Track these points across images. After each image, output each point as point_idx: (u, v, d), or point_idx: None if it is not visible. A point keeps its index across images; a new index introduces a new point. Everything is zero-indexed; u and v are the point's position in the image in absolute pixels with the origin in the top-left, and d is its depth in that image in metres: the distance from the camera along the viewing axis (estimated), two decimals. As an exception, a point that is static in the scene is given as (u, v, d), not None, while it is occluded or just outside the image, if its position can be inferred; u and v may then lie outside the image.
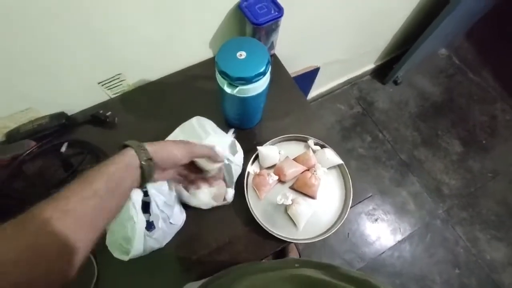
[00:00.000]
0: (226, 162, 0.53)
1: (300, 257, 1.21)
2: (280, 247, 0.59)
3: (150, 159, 0.37)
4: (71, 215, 0.29)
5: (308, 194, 0.59)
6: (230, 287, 0.31)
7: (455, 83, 1.62)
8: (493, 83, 1.62)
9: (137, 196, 0.43)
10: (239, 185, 0.60)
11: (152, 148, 0.38)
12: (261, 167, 0.63)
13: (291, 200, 0.57)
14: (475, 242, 1.27)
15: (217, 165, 0.46)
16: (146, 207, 0.46)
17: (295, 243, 1.21)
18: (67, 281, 0.28)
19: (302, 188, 0.59)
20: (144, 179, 0.37)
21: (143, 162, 0.35)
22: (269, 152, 0.61)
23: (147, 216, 0.45)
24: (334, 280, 0.25)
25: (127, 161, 0.35)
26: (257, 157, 0.63)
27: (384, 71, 1.55)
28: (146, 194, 0.45)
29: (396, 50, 1.50)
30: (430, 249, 1.27)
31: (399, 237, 1.29)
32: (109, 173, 0.33)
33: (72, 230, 0.28)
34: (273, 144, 0.64)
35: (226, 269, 0.44)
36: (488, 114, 1.54)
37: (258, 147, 0.61)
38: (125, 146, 0.37)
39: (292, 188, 0.61)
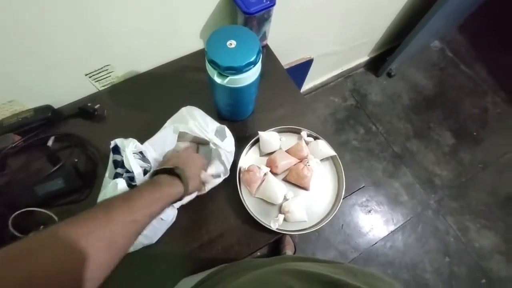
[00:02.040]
0: (213, 146, 0.52)
1: (295, 249, 1.22)
2: (273, 239, 0.59)
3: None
4: (106, 239, 0.30)
5: (301, 185, 0.59)
6: (226, 282, 0.31)
7: (447, 76, 1.63)
8: (485, 76, 1.63)
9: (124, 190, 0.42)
10: (232, 178, 0.59)
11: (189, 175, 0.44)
12: (261, 153, 0.63)
13: (286, 196, 0.57)
14: (465, 231, 1.30)
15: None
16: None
17: (290, 236, 1.22)
18: None
19: (295, 180, 0.59)
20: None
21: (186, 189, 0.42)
22: (270, 137, 0.60)
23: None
24: (332, 274, 0.25)
25: (173, 192, 0.40)
26: (251, 147, 0.63)
27: (378, 63, 1.55)
28: (133, 187, 0.44)
29: (390, 43, 1.50)
30: (421, 238, 1.29)
31: (391, 228, 1.31)
32: (152, 200, 0.37)
33: (102, 252, 0.29)
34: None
35: (223, 265, 0.44)
36: (479, 106, 1.56)
37: (259, 132, 0.60)
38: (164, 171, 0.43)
39: (285, 180, 0.60)
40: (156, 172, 0.43)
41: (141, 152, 0.48)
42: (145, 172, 0.46)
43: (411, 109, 1.54)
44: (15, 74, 0.58)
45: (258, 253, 1.25)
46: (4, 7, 0.46)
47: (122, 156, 0.45)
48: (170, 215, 0.52)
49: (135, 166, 0.44)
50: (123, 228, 0.32)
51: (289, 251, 1.15)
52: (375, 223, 1.32)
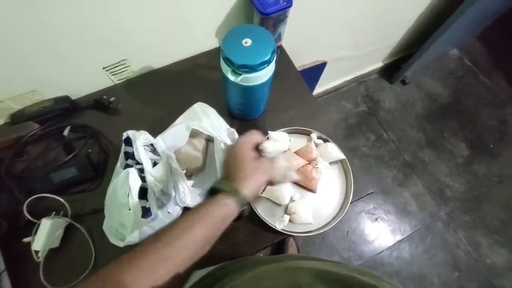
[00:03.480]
0: (223, 146, 0.52)
1: (298, 252, 1.21)
2: (277, 239, 0.59)
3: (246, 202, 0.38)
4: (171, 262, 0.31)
5: (308, 187, 0.59)
6: (237, 275, 0.31)
7: (464, 85, 1.59)
8: (504, 86, 1.58)
9: (134, 184, 0.43)
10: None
11: (248, 191, 0.38)
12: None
13: (293, 198, 0.57)
14: (476, 246, 1.26)
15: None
16: (144, 193, 0.46)
17: (294, 239, 1.21)
18: None
19: (302, 182, 0.58)
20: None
21: (241, 208, 0.38)
22: (280, 138, 0.60)
23: (144, 202, 0.45)
24: (342, 271, 0.25)
25: (225, 213, 0.37)
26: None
27: (392, 70, 1.53)
28: (144, 179, 0.45)
29: (406, 50, 1.47)
30: (430, 250, 1.26)
31: (398, 237, 1.28)
32: (208, 223, 0.35)
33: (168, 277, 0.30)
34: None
35: (229, 261, 0.44)
36: (497, 118, 1.51)
37: (269, 132, 0.60)
38: (218, 190, 0.38)
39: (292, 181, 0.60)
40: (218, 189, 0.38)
41: (151, 145, 0.49)
42: (154, 164, 0.47)
43: (425, 118, 1.51)
44: (38, 67, 0.60)
45: (261, 254, 1.24)
46: (27, 5, 0.48)
47: (133, 148, 0.46)
48: (176, 209, 0.53)
49: (145, 158, 0.45)
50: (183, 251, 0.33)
51: (291, 253, 1.15)
52: (381, 231, 1.30)
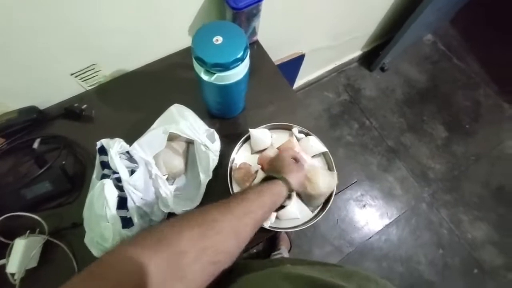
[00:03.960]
0: (203, 149, 0.51)
1: (291, 245, 1.23)
2: (266, 237, 0.59)
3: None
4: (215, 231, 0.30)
5: None
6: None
7: (440, 69, 1.64)
8: (477, 68, 1.64)
9: (111, 195, 0.41)
10: (221, 177, 0.58)
11: (294, 181, 0.46)
12: (252, 151, 0.62)
13: None
14: (458, 223, 1.31)
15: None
16: (123, 202, 0.44)
17: (286, 233, 1.22)
18: None
19: None
20: None
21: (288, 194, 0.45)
22: (261, 135, 0.59)
23: (124, 212, 0.44)
24: (328, 278, 0.25)
25: (278, 194, 0.42)
26: (242, 145, 0.62)
27: (371, 58, 1.55)
28: (122, 189, 0.43)
29: (383, 37, 1.49)
30: (416, 231, 1.31)
31: (386, 221, 1.32)
32: (264, 203, 0.39)
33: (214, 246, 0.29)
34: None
35: None
36: (471, 99, 1.57)
37: (250, 129, 0.59)
38: (270, 177, 0.46)
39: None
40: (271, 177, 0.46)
41: (127, 152, 0.47)
42: (131, 172, 0.45)
43: (405, 103, 1.55)
44: (-3, 76, 0.56)
45: (254, 250, 1.25)
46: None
47: (108, 157, 0.44)
48: (160, 215, 0.51)
49: (121, 167, 0.43)
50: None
51: (284, 247, 1.16)
52: (370, 217, 1.33)
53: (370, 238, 1.29)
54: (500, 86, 1.59)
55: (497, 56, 1.65)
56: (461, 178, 1.40)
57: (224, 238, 0.30)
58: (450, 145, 1.46)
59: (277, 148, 0.61)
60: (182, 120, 0.51)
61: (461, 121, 1.51)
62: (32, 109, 0.62)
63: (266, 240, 1.25)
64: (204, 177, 0.53)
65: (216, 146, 0.54)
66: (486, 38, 1.70)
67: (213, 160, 0.53)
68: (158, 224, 0.30)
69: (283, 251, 1.14)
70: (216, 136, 0.54)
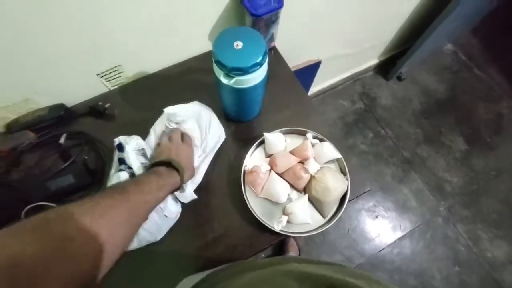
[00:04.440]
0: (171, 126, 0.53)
1: (300, 252, 1.21)
2: (276, 240, 0.59)
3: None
4: (124, 215, 0.32)
5: (295, 186, 0.59)
6: (229, 282, 0.31)
7: (460, 79, 1.59)
8: (499, 80, 1.58)
9: None
10: (235, 179, 0.59)
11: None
12: (266, 154, 0.63)
13: (290, 195, 0.57)
14: (476, 240, 1.26)
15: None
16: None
17: (295, 239, 1.21)
18: (91, 285, 0.28)
19: (291, 180, 0.59)
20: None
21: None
22: (275, 139, 0.60)
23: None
24: (335, 275, 0.25)
25: (173, 181, 0.45)
26: (256, 148, 0.63)
27: (388, 67, 1.53)
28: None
29: (401, 46, 1.47)
30: (430, 246, 1.26)
31: (399, 234, 1.28)
32: (158, 186, 0.41)
33: (122, 227, 0.31)
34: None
35: (224, 265, 0.44)
36: (493, 112, 1.51)
37: (264, 133, 0.61)
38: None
39: (284, 179, 0.60)
40: (154, 164, 0.47)
41: (143, 149, 0.50)
42: (145, 167, 0.47)
43: (422, 114, 1.51)
44: (30, 75, 0.60)
45: (263, 255, 1.25)
46: (21, 9, 0.48)
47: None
48: (173, 212, 0.53)
49: (135, 162, 0.45)
50: (137, 208, 0.36)
51: (293, 253, 1.15)
52: (382, 229, 1.30)
53: (382, 250, 1.26)
54: (524, 99, 1.52)
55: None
56: (480, 193, 1.34)
57: (115, 226, 0.31)
58: (469, 158, 1.41)
59: (290, 152, 0.62)
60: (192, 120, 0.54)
61: (481, 134, 1.46)
62: (60, 107, 0.66)
63: (274, 245, 1.24)
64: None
65: (213, 128, 0.60)
66: (509, 47, 1.65)
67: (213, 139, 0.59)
68: (51, 210, 0.29)
69: (292, 258, 1.13)
70: (215, 120, 0.60)
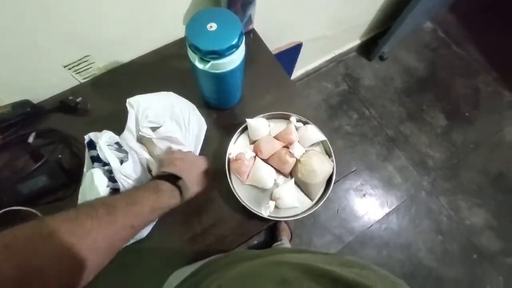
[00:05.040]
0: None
1: (292, 235, 1.23)
2: (265, 226, 0.59)
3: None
4: (106, 240, 0.31)
5: (281, 171, 0.58)
6: (219, 274, 0.31)
7: (439, 57, 1.62)
8: (476, 56, 1.62)
9: (100, 182, 0.41)
10: (220, 168, 0.58)
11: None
12: (250, 141, 0.62)
13: (276, 181, 0.57)
14: (457, 210, 1.32)
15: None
16: (117, 193, 0.44)
17: (286, 222, 1.23)
18: None
19: (277, 165, 0.58)
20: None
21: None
22: (259, 124, 0.59)
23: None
24: (323, 265, 0.24)
25: (172, 204, 0.41)
26: (239, 135, 0.62)
27: (370, 47, 1.53)
28: (115, 180, 0.43)
29: (382, 25, 1.47)
30: (415, 219, 1.31)
31: (386, 210, 1.33)
32: (153, 209, 0.38)
33: (100, 253, 0.30)
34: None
35: (216, 256, 0.43)
36: (471, 87, 1.55)
37: (247, 119, 0.59)
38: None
39: (270, 164, 0.59)
40: (159, 177, 0.43)
41: (117, 143, 0.47)
42: (121, 162, 0.45)
43: (404, 92, 1.54)
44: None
45: (255, 241, 1.26)
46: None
47: (97, 150, 0.44)
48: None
49: (110, 156, 0.43)
50: (122, 231, 0.33)
51: (285, 237, 1.17)
52: (370, 206, 1.34)
53: (371, 226, 1.30)
54: (499, 73, 1.57)
55: (496, 42, 1.63)
56: (460, 166, 1.40)
57: (97, 249, 0.30)
58: (449, 133, 1.46)
59: (274, 137, 0.61)
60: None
61: (460, 109, 1.51)
62: (25, 103, 0.61)
63: (266, 230, 1.26)
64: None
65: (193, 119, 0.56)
66: (485, 24, 1.68)
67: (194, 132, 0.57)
68: (32, 224, 0.28)
69: (285, 241, 1.15)
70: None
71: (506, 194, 1.34)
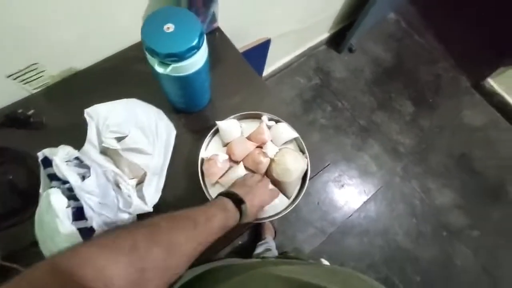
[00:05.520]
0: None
1: (275, 233, 1.24)
2: (247, 228, 0.58)
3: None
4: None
5: (256, 171, 0.57)
6: None
7: (403, 46, 1.69)
8: (436, 44, 1.71)
9: (59, 203, 0.37)
10: (193, 173, 0.56)
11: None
12: (223, 144, 0.60)
13: None
14: (428, 193, 1.40)
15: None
16: (81, 212, 0.40)
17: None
18: None
19: (251, 166, 0.57)
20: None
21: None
22: (230, 126, 0.57)
23: (83, 223, 0.40)
24: (308, 278, 0.25)
25: (232, 225, 0.40)
26: (211, 138, 0.60)
27: (338, 39, 1.56)
28: (76, 198, 0.39)
29: (349, 17, 1.50)
30: (391, 205, 1.37)
31: (364, 198, 1.38)
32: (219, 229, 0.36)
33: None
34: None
35: (199, 268, 0.41)
36: (433, 73, 1.64)
37: (217, 122, 0.57)
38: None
39: (245, 166, 0.58)
40: (224, 195, 0.43)
41: (77, 158, 0.43)
42: (83, 178, 0.42)
43: (373, 82, 1.59)
44: None
45: (240, 242, 1.25)
46: None
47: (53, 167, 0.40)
48: (125, 218, 0.48)
49: (69, 173, 0.39)
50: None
51: (269, 235, 1.17)
52: (348, 196, 1.38)
53: (351, 216, 1.34)
54: (456, 60, 1.67)
55: (452, 30, 1.73)
56: (428, 150, 1.48)
57: (182, 262, 0.30)
58: (417, 119, 1.53)
59: (247, 138, 0.60)
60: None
61: (425, 96, 1.59)
62: (-35, 120, 0.55)
63: (250, 231, 1.25)
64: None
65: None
66: (443, 14, 1.78)
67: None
68: (124, 229, 0.27)
69: (269, 240, 1.15)
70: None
71: (469, 173, 1.44)
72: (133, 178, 0.54)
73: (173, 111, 0.63)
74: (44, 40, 0.56)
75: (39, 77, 0.62)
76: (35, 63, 0.59)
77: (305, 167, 0.58)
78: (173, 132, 0.59)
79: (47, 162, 0.42)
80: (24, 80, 0.60)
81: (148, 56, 0.44)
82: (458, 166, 1.45)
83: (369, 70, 1.61)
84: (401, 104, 1.56)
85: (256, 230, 1.23)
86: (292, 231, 1.29)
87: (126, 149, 0.48)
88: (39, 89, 0.64)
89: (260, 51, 1.03)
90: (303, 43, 1.48)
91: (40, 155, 0.42)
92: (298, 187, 0.59)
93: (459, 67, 1.66)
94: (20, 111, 0.59)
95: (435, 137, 1.50)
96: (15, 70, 0.56)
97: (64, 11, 0.53)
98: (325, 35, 1.55)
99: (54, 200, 0.37)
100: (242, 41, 0.92)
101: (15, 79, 0.58)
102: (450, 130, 1.52)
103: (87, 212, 0.40)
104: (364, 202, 1.37)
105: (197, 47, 0.43)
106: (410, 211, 1.37)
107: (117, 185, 0.49)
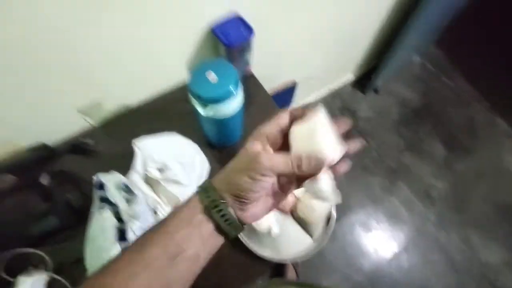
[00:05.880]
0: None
1: (297, 277, 1.18)
2: (269, 267, 0.58)
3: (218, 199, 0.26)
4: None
5: (281, 209, 0.59)
6: None
7: (430, 88, 1.69)
8: (464, 86, 1.69)
9: (109, 223, 0.43)
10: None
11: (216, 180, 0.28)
12: None
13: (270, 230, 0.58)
14: (468, 244, 1.27)
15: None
16: (124, 234, 0.45)
17: (292, 264, 1.18)
18: None
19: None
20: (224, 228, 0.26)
21: (207, 204, 0.26)
22: None
23: (125, 244, 0.45)
24: None
25: (189, 212, 0.26)
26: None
27: (363, 81, 1.61)
28: (121, 220, 0.45)
29: (374, 60, 1.57)
30: (426, 255, 1.26)
31: (393, 245, 1.28)
32: (166, 233, 0.25)
33: None
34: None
35: None
36: (464, 116, 1.60)
37: None
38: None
39: None
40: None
41: (126, 185, 0.50)
42: (127, 201, 0.47)
43: (400, 123, 1.58)
44: (7, 116, 0.61)
45: (260, 282, 1.20)
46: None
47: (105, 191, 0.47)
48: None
49: (118, 198, 0.45)
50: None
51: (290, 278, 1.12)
52: (377, 241, 1.29)
53: (379, 264, 1.25)
54: (489, 101, 1.62)
55: (482, 71, 1.70)
56: (465, 196, 1.38)
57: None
58: (450, 162, 1.46)
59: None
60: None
61: (458, 138, 1.53)
62: (41, 147, 0.66)
63: (271, 271, 1.21)
64: None
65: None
66: (470, 55, 1.77)
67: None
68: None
69: (289, 281, 1.10)
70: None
71: (517, 225, 1.30)
72: (169, 206, 0.59)
73: (208, 145, 0.70)
74: (108, 83, 0.68)
75: (99, 112, 0.74)
76: (99, 101, 0.71)
77: (330, 207, 0.59)
78: (206, 165, 0.65)
79: (100, 185, 0.49)
80: (88, 114, 0.72)
81: (193, 100, 0.52)
82: (502, 216, 1.32)
83: (395, 111, 1.62)
84: (431, 146, 1.51)
85: (277, 271, 1.18)
86: (314, 274, 1.22)
87: (166, 179, 0.55)
88: (97, 122, 0.75)
89: (287, 93, 1.11)
90: (327, 84, 1.55)
91: (95, 178, 0.49)
92: (322, 227, 0.60)
93: (494, 108, 1.60)
94: (82, 140, 0.69)
95: (473, 182, 1.41)
96: (84, 106, 0.68)
97: (125, 63, 0.65)
98: (350, 77, 1.62)
99: (107, 219, 0.42)
100: (272, 83, 1.02)
101: (82, 113, 0.70)
102: (490, 176, 1.42)
103: (129, 234, 0.45)
104: (394, 250, 1.28)
105: (234, 93, 0.50)
106: (449, 263, 1.23)
107: (155, 212, 0.55)
